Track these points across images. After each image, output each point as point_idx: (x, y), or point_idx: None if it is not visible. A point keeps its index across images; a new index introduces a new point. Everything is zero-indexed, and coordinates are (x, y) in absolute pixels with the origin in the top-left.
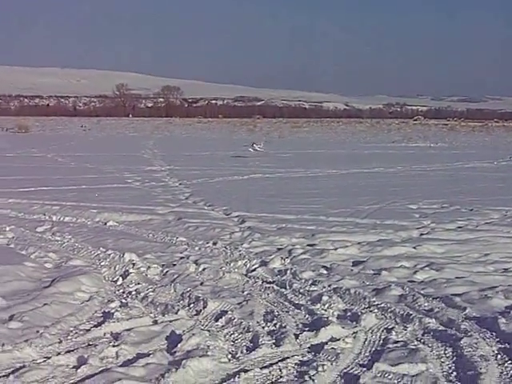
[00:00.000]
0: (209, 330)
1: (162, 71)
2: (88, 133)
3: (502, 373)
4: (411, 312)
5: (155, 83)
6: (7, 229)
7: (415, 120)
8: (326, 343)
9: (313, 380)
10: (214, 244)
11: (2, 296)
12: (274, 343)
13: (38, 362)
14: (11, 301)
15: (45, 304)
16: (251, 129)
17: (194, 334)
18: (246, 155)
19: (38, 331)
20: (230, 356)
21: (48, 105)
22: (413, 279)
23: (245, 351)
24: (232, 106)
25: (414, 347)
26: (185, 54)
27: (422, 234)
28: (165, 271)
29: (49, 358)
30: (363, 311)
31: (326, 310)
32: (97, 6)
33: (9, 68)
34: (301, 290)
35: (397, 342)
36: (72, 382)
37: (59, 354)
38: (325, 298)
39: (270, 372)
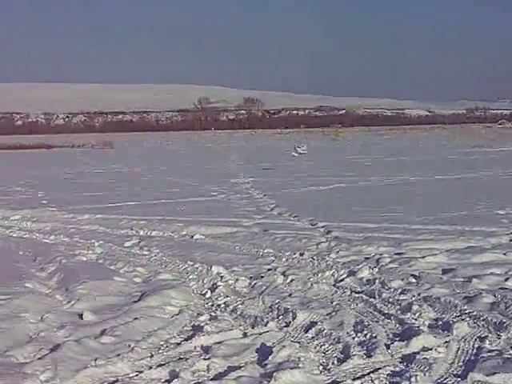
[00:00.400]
0: (299, 342)
1: (242, 83)
2: (171, 146)
3: None
4: (505, 320)
5: (236, 96)
6: (96, 244)
7: (500, 124)
8: (418, 353)
9: None
10: (301, 255)
11: (93, 311)
12: (365, 354)
13: (131, 376)
14: (102, 315)
15: (135, 318)
16: (333, 138)
17: (284, 346)
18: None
19: (129, 345)
20: (321, 368)
21: (131, 120)
22: (504, 286)
23: (336, 362)
24: (313, 116)
25: (509, 356)
26: (265, 65)
27: (511, 240)
28: (253, 283)
29: (141, 372)
30: (455, 320)
31: (416, 319)
32: (177, 23)
33: (92, 86)
34: (390, 300)
35: (491, 351)
36: None
37: (151, 367)
38: (415, 307)
39: (362, 383)
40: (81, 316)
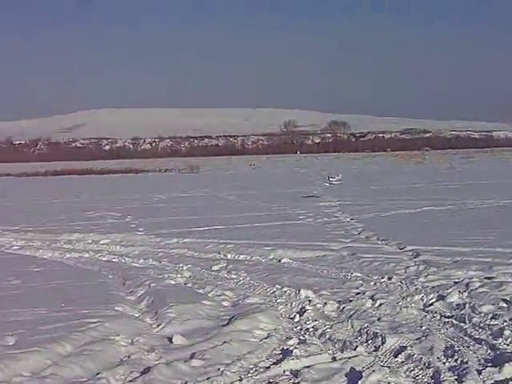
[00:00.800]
0: (389, 367)
1: (328, 107)
2: (257, 171)
3: None
4: None
5: (322, 119)
6: (184, 268)
7: None
8: (511, 379)
9: None
10: (389, 279)
11: (182, 334)
12: (456, 379)
13: None
14: (192, 339)
15: (224, 342)
16: (419, 161)
17: (374, 371)
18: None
19: (219, 369)
20: None
21: (217, 145)
22: None
23: None
24: (400, 139)
25: None
26: (351, 88)
27: None
28: (341, 307)
29: None
30: None
31: (508, 345)
32: (262, 48)
33: (179, 110)
34: (481, 324)
35: None
36: None
37: None
38: (507, 332)
39: None
40: (170, 339)
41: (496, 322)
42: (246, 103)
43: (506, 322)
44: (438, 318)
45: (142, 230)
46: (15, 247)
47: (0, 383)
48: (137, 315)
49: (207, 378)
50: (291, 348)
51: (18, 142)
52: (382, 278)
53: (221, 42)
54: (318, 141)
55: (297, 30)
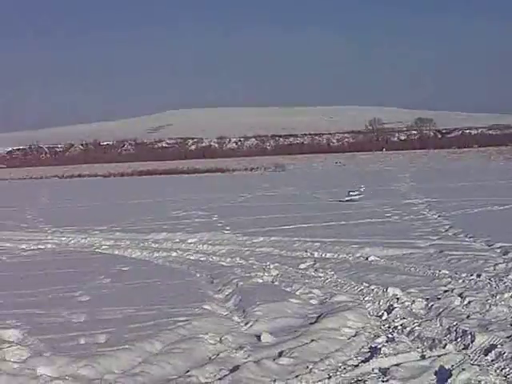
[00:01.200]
0: (479, 365)
1: (413, 104)
2: (343, 168)
3: None
4: None
5: (408, 116)
6: (271, 267)
7: None
8: None
9: None
10: (478, 276)
11: (270, 332)
12: None
13: None
14: (280, 337)
15: (312, 340)
16: (508, 157)
17: (463, 369)
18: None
19: (307, 367)
20: None
21: (302, 143)
22: None
23: None
24: (487, 135)
25: None
26: (438, 84)
27: None
28: (429, 305)
29: None
30: None
31: None
32: (345, 45)
33: (264, 109)
34: None
35: None
36: None
37: None
38: None
39: None
40: (259, 337)
41: None
42: (331, 101)
43: None
44: None
45: (228, 228)
46: (104, 247)
47: (92, 380)
48: (225, 313)
49: (296, 376)
50: (379, 346)
51: (105, 143)
52: (471, 275)
53: (307, 42)
54: (403, 138)
55: (384, 27)
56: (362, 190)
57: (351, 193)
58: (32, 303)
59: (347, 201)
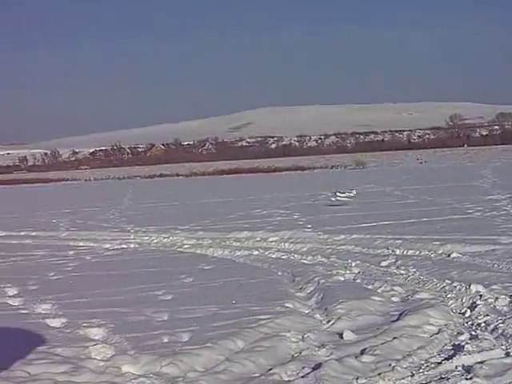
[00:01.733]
0: None
1: (494, 98)
2: (423, 165)
3: None
4: None
5: (489, 111)
6: (353, 264)
7: None
8: None
9: None
10: None
11: (352, 330)
12: None
13: None
14: (362, 335)
15: (395, 337)
16: None
17: None
18: None
19: (390, 364)
20: None
21: (383, 140)
22: None
23: None
24: None
25: None
26: None
27: None
28: None
29: None
30: None
31: None
32: (423, 42)
33: (344, 106)
34: None
35: None
36: None
37: None
38: None
39: None
40: (341, 335)
41: None
42: (411, 97)
43: None
44: None
45: (309, 226)
46: (186, 246)
47: (176, 378)
48: (307, 311)
49: (378, 374)
50: (463, 343)
51: (186, 143)
52: None
53: (386, 40)
54: (485, 133)
55: (465, 21)
56: (352, 193)
57: (338, 194)
58: (116, 302)
59: (332, 204)
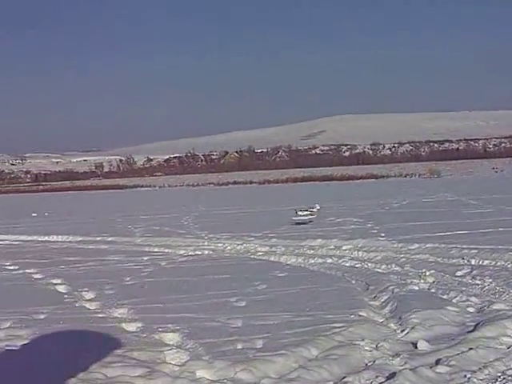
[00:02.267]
0: None
1: None
2: (500, 174)
3: None
4: None
5: None
6: (427, 273)
7: None
8: None
9: None
10: None
11: (427, 340)
12: None
13: None
14: (437, 345)
15: (470, 348)
16: None
17: None
18: None
19: (465, 376)
20: None
21: (457, 148)
22: None
23: None
24: None
25: None
26: None
27: None
28: None
29: None
30: None
31: None
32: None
33: (418, 115)
34: None
35: None
36: None
37: None
38: None
39: None
40: (415, 345)
41: None
42: (486, 105)
43: None
44: None
45: (383, 235)
46: (259, 253)
47: None
48: (381, 320)
49: None
50: None
51: (259, 150)
52: None
53: (457, 46)
54: None
55: None
56: (315, 209)
57: (300, 213)
58: (190, 308)
59: (297, 223)
